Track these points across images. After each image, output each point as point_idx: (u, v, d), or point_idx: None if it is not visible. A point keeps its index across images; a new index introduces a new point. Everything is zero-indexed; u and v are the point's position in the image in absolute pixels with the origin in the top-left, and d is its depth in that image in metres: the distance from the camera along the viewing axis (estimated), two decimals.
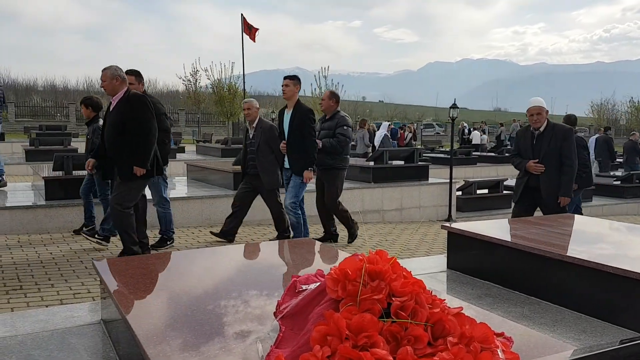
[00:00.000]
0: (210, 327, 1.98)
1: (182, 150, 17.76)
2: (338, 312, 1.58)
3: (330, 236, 6.59)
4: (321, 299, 1.82)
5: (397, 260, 1.75)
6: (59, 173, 7.13)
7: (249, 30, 25.18)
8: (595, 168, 14.58)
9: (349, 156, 6.51)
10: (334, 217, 6.64)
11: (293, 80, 5.90)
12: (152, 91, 65.41)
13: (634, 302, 2.78)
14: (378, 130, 14.57)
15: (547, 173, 5.16)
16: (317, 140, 6.08)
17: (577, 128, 8.05)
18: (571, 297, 3.10)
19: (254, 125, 6.23)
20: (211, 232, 6.48)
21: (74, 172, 7.10)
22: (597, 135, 15.29)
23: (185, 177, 9.92)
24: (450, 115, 10.29)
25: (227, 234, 6.34)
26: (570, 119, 7.54)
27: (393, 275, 1.66)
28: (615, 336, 2.64)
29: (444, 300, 1.70)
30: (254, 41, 25.27)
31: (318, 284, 2.00)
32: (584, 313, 3.00)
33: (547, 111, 5.25)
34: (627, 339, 2.31)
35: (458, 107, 10.45)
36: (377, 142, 14.13)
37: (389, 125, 15.14)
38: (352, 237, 6.67)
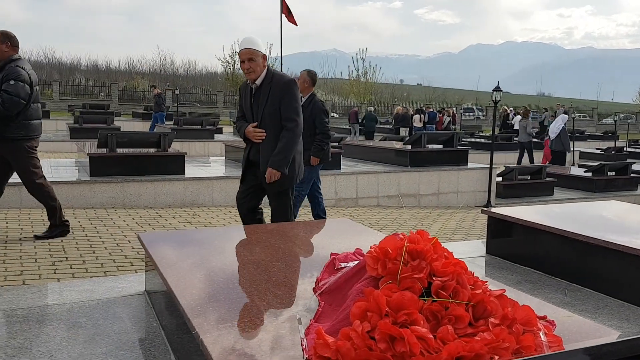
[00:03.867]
0: (251, 300, 2.02)
1: (220, 131, 17.99)
2: (378, 290, 1.58)
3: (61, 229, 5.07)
4: (360, 277, 1.83)
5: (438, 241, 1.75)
6: (103, 150, 7.32)
7: (288, 12, 25.10)
8: None
9: (36, 122, 4.75)
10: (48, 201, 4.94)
11: None
12: (192, 73, 65.77)
13: None
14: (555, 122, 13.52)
15: (267, 142, 3.77)
16: None
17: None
18: (614, 284, 3.03)
19: None
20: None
21: (117, 149, 7.28)
22: None
23: (223, 158, 10.05)
24: (493, 98, 10.07)
25: None
26: (309, 74, 5.66)
27: (434, 255, 1.65)
28: None
29: (486, 282, 1.69)
30: (296, 24, 25.13)
31: (357, 262, 2.01)
32: (627, 301, 2.93)
33: (265, 56, 3.76)
34: None
35: (501, 90, 10.19)
36: (552, 134, 13.01)
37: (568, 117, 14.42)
38: (53, 233, 5.03)
